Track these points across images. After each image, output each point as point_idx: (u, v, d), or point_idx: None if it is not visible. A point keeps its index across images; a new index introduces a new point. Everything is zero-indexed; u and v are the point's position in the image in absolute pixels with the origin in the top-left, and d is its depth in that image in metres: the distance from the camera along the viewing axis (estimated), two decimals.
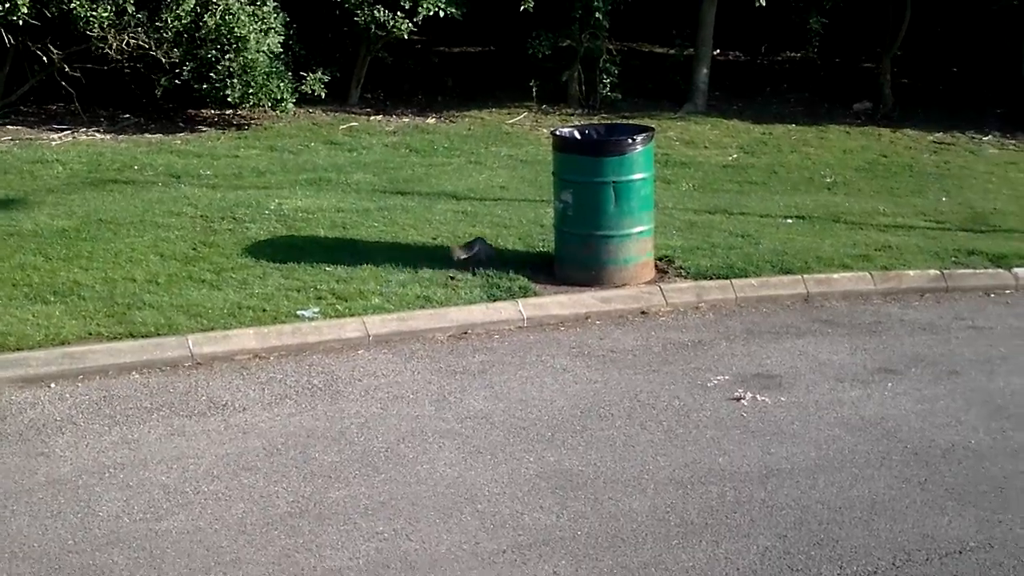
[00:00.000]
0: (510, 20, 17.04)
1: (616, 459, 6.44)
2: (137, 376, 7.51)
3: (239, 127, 15.27)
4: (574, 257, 9.32)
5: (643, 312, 8.88)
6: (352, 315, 8.37)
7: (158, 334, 7.91)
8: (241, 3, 14.48)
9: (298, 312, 8.37)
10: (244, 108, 15.37)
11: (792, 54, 20.38)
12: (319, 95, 15.72)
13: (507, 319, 8.59)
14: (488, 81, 18.09)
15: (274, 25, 14.74)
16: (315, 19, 16.44)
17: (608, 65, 17.06)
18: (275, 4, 14.97)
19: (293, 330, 8.11)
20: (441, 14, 15.78)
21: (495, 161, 13.76)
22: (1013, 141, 15.73)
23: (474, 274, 9.21)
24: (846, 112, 17.23)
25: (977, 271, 9.78)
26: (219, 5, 14.34)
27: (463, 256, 9.54)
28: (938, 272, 9.64)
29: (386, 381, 7.51)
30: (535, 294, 8.97)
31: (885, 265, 9.72)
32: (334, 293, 8.73)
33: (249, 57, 14.34)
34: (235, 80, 14.41)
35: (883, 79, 17.52)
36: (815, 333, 8.49)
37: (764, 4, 16.46)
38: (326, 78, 15.85)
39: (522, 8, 15.81)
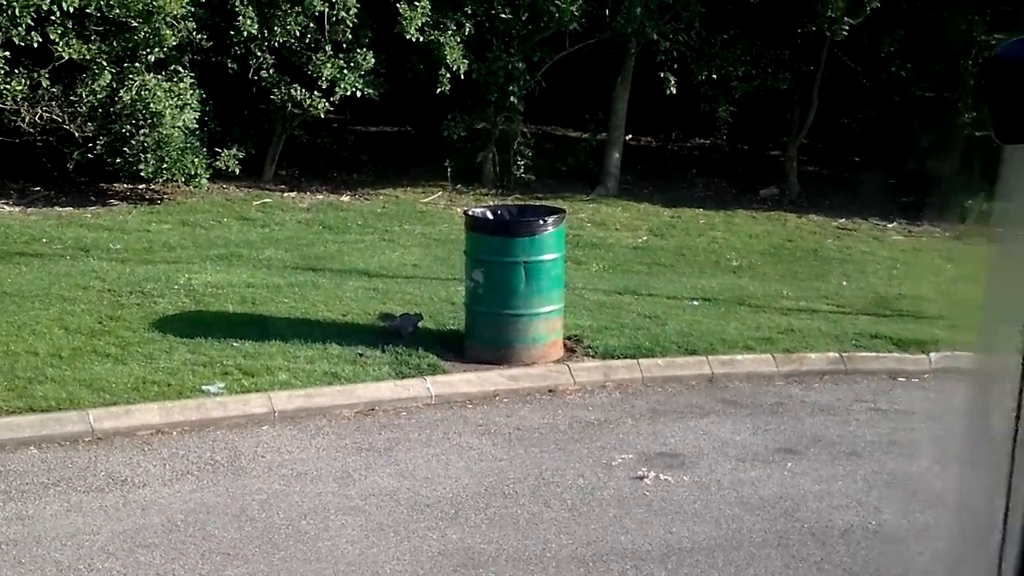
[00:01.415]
0: (427, 101, 17.23)
1: (519, 537, 6.45)
2: (35, 451, 7.38)
3: (151, 201, 15.20)
4: (484, 335, 9.38)
5: (551, 390, 8.95)
6: (258, 391, 8.33)
7: (59, 408, 7.80)
8: (157, 79, 14.50)
9: (203, 387, 8.31)
10: (157, 183, 15.30)
11: (702, 140, 20.82)
12: (233, 171, 15.71)
13: (415, 396, 8.61)
14: (404, 160, 18.22)
15: (190, 101, 14.75)
16: (231, 96, 16.49)
17: (522, 147, 17.29)
18: (191, 80, 15.01)
19: (197, 405, 8.04)
20: (358, 94, 15.92)
21: (408, 239, 13.84)
22: (920, 229, 16.16)
23: (383, 351, 9.23)
24: (753, 197, 17.60)
25: (880, 354, 9.97)
26: (135, 80, 14.34)
27: (385, 324, 9.62)
28: (838, 355, 9.84)
29: (290, 457, 7.47)
30: (444, 372, 8.99)
31: (787, 347, 9.89)
32: (240, 369, 8.68)
33: (164, 132, 14.33)
34: (149, 155, 14.37)
35: (789, 166, 17.97)
36: (719, 413, 8.61)
37: (675, 92, 16.84)
38: (241, 154, 15.86)
39: (439, 91, 16.01)
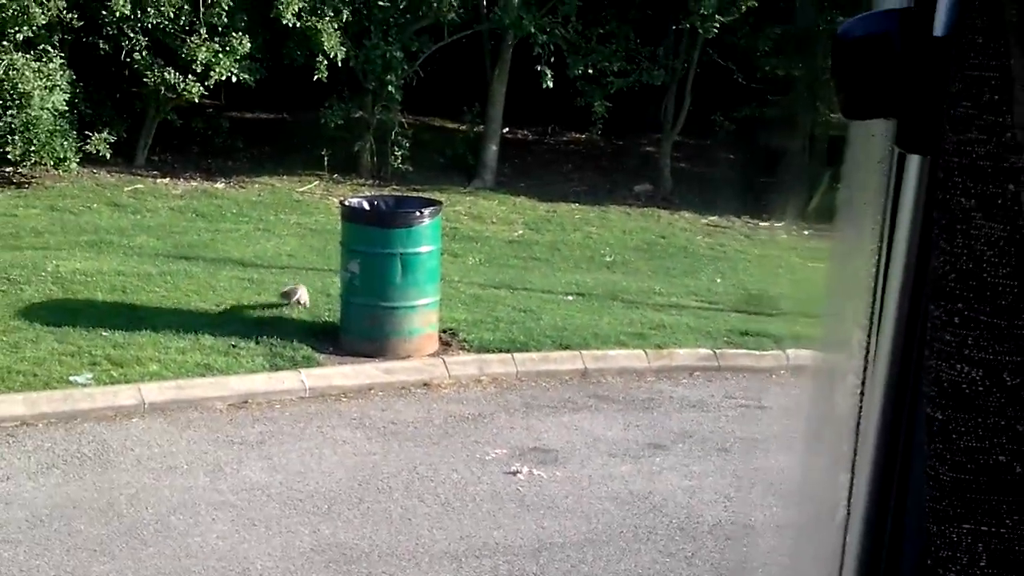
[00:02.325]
0: (304, 88, 17.08)
1: (392, 532, 6.47)
2: None
3: (19, 185, 14.79)
4: (359, 328, 9.36)
5: (426, 384, 8.97)
6: (127, 382, 8.19)
7: None
8: (26, 59, 14.12)
9: (71, 378, 8.14)
10: (25, 166, 14.88)
11: (578, 135, 20.98)
12: (104, 155, 15.37)
13: (289, 389, 8.55)
14: (280, 148, 18.02)
15: (60, 83, 14.40)
16: (103, 78, 16.14)
17: (400, 138, 17.23)
18: (61, 61, 14.65)
19: (64, 396, 7.88)
20: (234, 79, 15.70)
21: (284, 229, 13.71)
22: (786, 226, 16.49)
23: (257, 343, 9.14)
24: (627, 193, 17.79)
25: (749, 351, 10.14)
26: (2, 60, 13.94)
27: (287, 303, 9.82)
28: (710, 351, 10.02)
29: (160, 451, 7.36)
30: (319, 364, 8.95)
31: (659, 343, 10.04)
32: (109, 359, 8.53)
33: (32, 114, 13.97)
34: (16, 137, 14.01)
35: (663, 163, 18.21)
36: (591, 408, 8.72)
37: (551, 86, 16.97)
38: (112, 138, 15.53)
39: (315, 78, 15.88)
